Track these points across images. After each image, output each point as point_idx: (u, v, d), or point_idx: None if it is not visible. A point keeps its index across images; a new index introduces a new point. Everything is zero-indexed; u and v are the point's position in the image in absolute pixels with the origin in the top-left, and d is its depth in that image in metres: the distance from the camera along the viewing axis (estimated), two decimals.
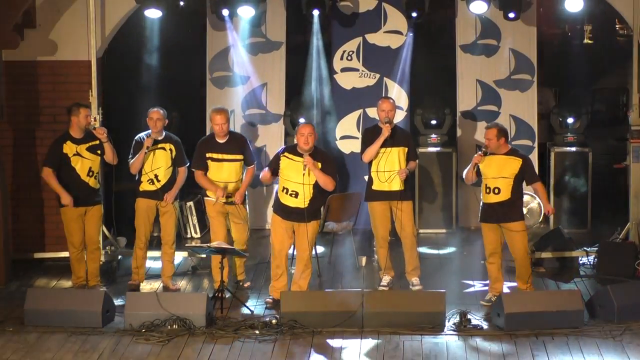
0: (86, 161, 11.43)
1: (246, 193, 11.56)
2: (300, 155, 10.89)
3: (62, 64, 12.59)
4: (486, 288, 11.37)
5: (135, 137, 11.55)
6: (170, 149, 11.57)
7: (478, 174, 11.09)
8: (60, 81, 12.60)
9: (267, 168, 11.11)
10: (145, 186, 11.54)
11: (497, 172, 10.95)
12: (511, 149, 11.13)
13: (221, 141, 11.41)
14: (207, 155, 11.41)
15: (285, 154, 10.98)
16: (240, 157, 11.45)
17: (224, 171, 11.40)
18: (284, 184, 10.94)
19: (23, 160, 12.68)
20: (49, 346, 9.97)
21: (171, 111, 13.67)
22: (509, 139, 11.29)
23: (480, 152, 11.04)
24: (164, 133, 11.59)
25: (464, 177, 11.30)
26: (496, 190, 10.95)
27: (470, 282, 11.84)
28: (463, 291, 11.55)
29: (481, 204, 11.14)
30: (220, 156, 11.40)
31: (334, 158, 11.98)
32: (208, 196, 11.53)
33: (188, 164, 11.70)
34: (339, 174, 13.50)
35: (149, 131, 11.48)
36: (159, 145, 11.52)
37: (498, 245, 11.08)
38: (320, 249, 12.69)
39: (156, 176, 11.51)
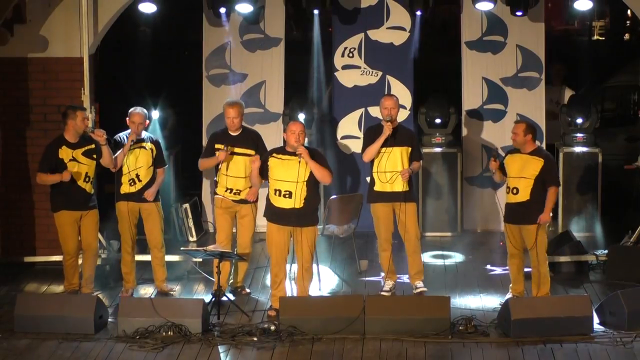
0: (82, 166, 11.26)
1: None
2: (290, 154, 10.65)
3: (53, 61, 12.45)
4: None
5: (115, 137, 11.43)
6: (152, 149, 11.48)
7: (504, 172, 11.07)
8: (51, 79, 12.46)
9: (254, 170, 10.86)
10: (125, 188, 11.41)
11: (518, 172, 10.88)
12: (536, 148, 11.01)
13: (233, 134, 11.31)
14: (216, 146, 11.30)
15: (273, 154, 10.75)
16: (251, 152, 11.27)
17: (233, 164, 11.23)
18: (275, 186, 10.70)
19: (12, 161, 12.54)
20: (39, 353, 9.87)
21: (166, 110, 13.59)
22: (536, 138, 11.18)
23: (491, 159, 11.05)
24: (144, 133, 11.48)
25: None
26: (514, 191, 10.89)
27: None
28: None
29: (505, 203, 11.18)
30: (230, 148, 11.24)
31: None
32: (217, 193, 11.39)
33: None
34: (340, 175, 13.22)
35: (129, 131, 11.37)
36: (141, 144, 11.41)
37: (519, 247, 10.98)
38: (320, 254, 12.49)
39: (137, 176, 11.39)
